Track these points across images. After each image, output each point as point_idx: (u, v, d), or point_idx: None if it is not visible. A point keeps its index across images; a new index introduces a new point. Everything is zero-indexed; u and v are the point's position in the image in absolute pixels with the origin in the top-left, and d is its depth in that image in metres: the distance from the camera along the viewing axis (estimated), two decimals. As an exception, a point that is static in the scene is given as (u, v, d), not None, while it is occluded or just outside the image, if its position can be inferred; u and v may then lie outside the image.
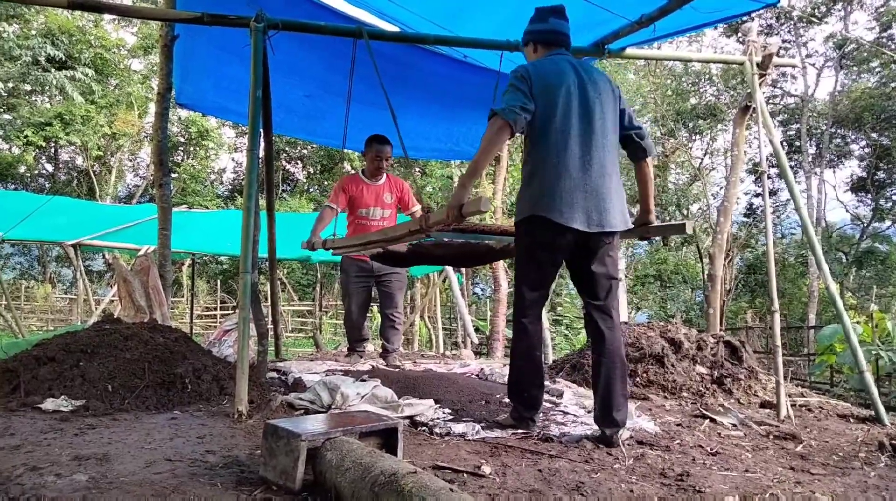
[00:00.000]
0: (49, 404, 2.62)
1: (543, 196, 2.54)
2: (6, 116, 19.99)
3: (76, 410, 2.61)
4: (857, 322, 6.80)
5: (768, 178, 4.86)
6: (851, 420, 3.40)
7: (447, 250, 3.35)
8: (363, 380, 3.36)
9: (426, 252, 3.44)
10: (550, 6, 2.80)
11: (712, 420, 3.12)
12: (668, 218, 23.26)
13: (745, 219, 22.50)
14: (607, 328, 2.63)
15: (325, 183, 25.73)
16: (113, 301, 10.71)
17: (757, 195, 22.19)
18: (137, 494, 1.69)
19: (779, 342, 3.36)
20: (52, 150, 23.40)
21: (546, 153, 2.57)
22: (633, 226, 2.83)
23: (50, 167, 24.82)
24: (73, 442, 2.17)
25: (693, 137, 22.49)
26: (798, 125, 21.08)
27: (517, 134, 2.60)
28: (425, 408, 2.88)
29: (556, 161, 2.55)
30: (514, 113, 2.50)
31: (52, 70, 18.18)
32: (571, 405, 3.25)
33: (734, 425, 3.07)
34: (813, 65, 21.54)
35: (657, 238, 3.24)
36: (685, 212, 22.18)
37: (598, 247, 2.61)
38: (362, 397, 2.90)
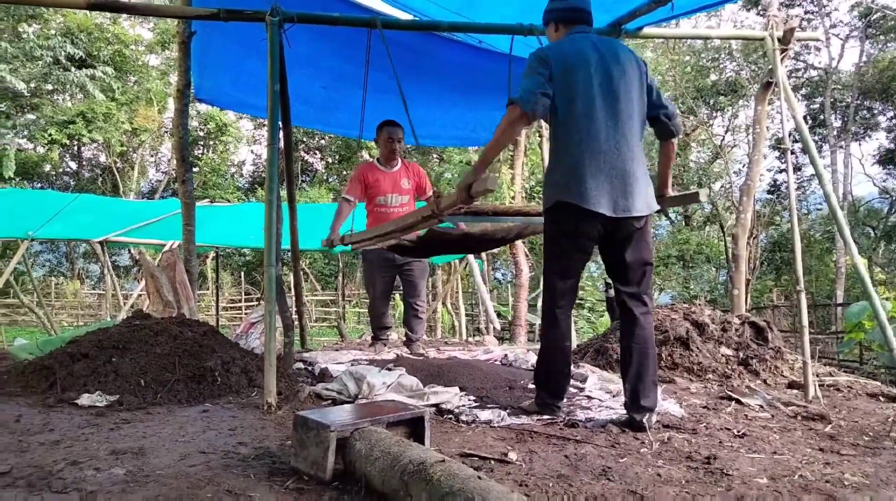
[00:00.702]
0: (84, 399, 2.69)
1: (569, 182, 2.52)
2: (30, 116, 20.33)
3: (111, 405, 2.68)
4: (887, 299, 6.70)
5: (792, 153, 4.78)
6: (881, 399, 3.36)
7: (463, 236, 3.35)
8: (389, 369, 3.39)
9: (442, 239, 3.44)
10: None
11: (738, 402, 3.11)
12: (689, 197, 23.02)
13: (769, 196, 22.17)
14: (641, 314, 2.61)
15: (344, 173, 25.83)
16: (141, 295, 10.91)
17: (781, 171, 21.81)
18: (174, 486, 1.73)
19: (805, 323, 3.33)
20: (76, 147, 23.77)
21: (570, 137, 2.55)
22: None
23: (74, 165, 25.24)
24: (110, 437, 2.23)
25: (714, 114, 22.16)
26: (822, 99, 20.64)
27: (538, 121, 2.59)
28: (451, 396, 2.90)
29: (580, 145, 2.52)
30: (532, 101, 2.47)
31: (73, 69, 18.41)
32: (596, 390, 3.26)
33: (761, 406, 3.06)
34: (837, 35, 21.04)
35: (679, 217, 3.23)
36: (707, 192, 21.91)
37: (629, 233, 2.58)
38: (388, 386, 2.93)
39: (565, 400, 2.82)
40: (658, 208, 2.75)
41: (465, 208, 2.63)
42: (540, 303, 4.81)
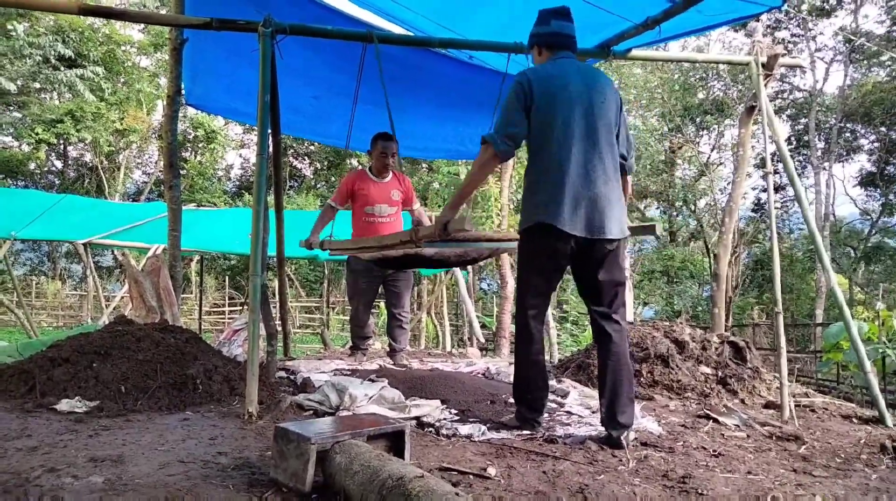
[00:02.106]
0: (64, 405, 2.68)
1: (548, 204, 2.58)
2: (16, 114, 20.13)
3: (90, 411, 2.67)
4: (864, 320, 6.79)
5: (776, 173, 4.85)
6: (855, 421, 3.42)
7: (441, 256, 3.44)
8: (371, 380, 3.41)
9: (420, 258, 3.51)
10: (553, 8, 2.82)
11: (716, 421, 3.15)
12: (675, 214, 23.25)
13: (753, 214, 22.42)
14: (614, 331, 2.67)
15: (332, 179, 25.80)
16: (123, 298, 10.82)
17: (765, 190, 22.08)
18: (152, 496, 1.74)
19: (783, 343, 3.38)
20: (62, 147, 23.56)
21: (549, 162, 2.61)
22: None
23: (59, 164, 25.00)
24: (89, 444, 2.22)
25: (700, 133, 22.40)
26: (806, 120, 20.96)
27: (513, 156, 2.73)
28: (432, 409, 2.92)
29: (558, 169, 2.59)
30: (505, 143, 2.63)
31: (62, 68, 18.28)
32: (576, 406, 3.29)
33: (737, 426, 3.10)
34: (822, 59, 21.41)
35: (664, 234, 3.32)
36: (693, 208, 22.13)
37: (602, 253, 2.65)
38: (370, 398, 2.94)
39: (545, 415, 2.85)
40: (629, 233, 2.83)
41: (441, 238, 2.76)
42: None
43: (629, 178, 2.96)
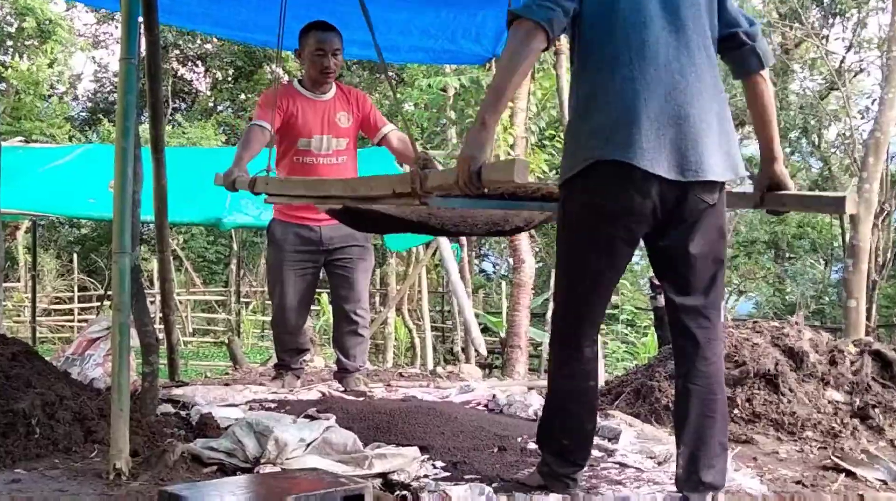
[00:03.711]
0: None
1: (614, 130, 2.50)
2: None
3: None
4: None
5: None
6: None
7: (465, 221, 3.33)
8: (310, 417, 3.42)
9: (427, 218, 3.42)
10: None
11: (851, 475, 3.21)
12: (789, 150, 23.33)
13: (911, 152, 22.60)
14: (706, 339, 2.65)
15: (243, 97, 25.61)
16: None
17: (930, 113, 22.18)
18: None
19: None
20: None
21: (612, 65, 2.55)
22: (747, 177, 2.83)
23: None
24: None
25: (831, 21, 22.40)
26: None
27: (556, 41, 2.60)
28: (406, 461, 2.94)
29: (628, 74, 2.52)
30: (547, 8, 2.49)
31: None
32: (632, 454, 3.33)
33: (884, 482, 3.16)
34: None
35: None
36: (816, 140, 22.23)
37: (697, 209, 2.58)
38: (308, 445, 2.96)
39: (586, 469, 2.88)
40: (745, 172, 2.77)
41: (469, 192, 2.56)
42: (549, 315, 4.86)
43: (766, 75, 2.79)
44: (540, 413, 2.96)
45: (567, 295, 2.74)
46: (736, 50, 2.76)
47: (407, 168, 4.66)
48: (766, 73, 2.81)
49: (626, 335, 14.31)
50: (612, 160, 2.48)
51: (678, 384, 2.72)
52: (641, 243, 2.73)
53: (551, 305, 3.03)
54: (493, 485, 2.79)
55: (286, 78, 15.23)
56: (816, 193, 3.00)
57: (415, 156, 3.28)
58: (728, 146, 2.61)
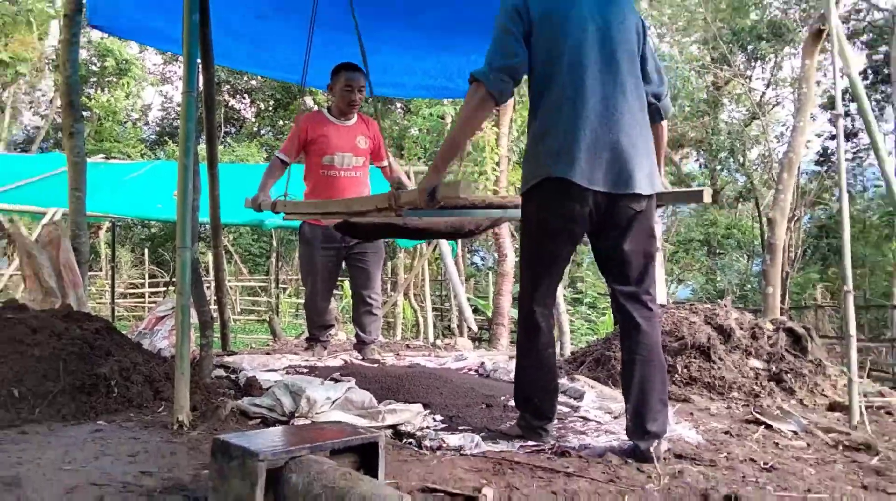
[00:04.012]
0: (-60, 414, 2.67)
1: (559, 153, 2.56)
2: None
3: (-26, 421, 2.66)
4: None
5: (847, 116, 4.86)
6: (941, 425, 3.50)
7: (430, 227, 3.42)
8: (334, 380, 3.43)
9: (401, 227, 3.50)
10: None
11: (768, 427, 3.22)
12: (718, 168, 23.34)
13: (817, 168, 22.55)
14: (643, 318, 2.68)
15: (280, 123, 25.61)
16: (13, 277, 10.73)
17: (832, 138, 22.20)
18: (58, 528, 1.75)
19: (853, 331, 3.43)
20: (-74, 81, 23.07)
21: (559, 99, 2.59)
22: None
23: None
24: (-26, 463, 2.22)
25: (753, 64, 22.38)
26: (887, 48, 20.99)
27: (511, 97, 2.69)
28: (412, 415, 2.95)
29: (571, 108, 2.56)
30: (500, 80, 2.57)
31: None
32: (594, 410, 3.34)
33: (795, 432, 3.17)
34: (908, -32, 21.39)
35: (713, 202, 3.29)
36: (741, 159, 22.21)
37: (628, 215, 2.64)
38: (333, 402, 2.96)
39: (555, 422, 2.89)
40: (661, 188, 2.82)
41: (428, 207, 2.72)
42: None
43: (664, 124, 2.94)
44: (513, 379, 2.98)
45: (528, 280, 2.79)
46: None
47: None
48: (665, 123, 2.94)
49: (589, 315, 14.34)
50: (556, 177, 2.57)
51: (623, 354, 2.75)
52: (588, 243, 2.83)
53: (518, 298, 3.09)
54: (482, 434, 2.80)
55: (315, 107, 15.22)
56: (683, 189, 3.14)
57: (393, 181, 3.47)
58: (650, 167, 2.69)
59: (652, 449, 2.58)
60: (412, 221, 3.21)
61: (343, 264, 4.81)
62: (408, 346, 6.30)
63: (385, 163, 4.71)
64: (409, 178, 4.53)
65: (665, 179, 3.05)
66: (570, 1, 2.61)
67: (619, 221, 2.66)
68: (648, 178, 2.65)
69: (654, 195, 2.70)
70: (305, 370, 4.04)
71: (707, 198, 3.03)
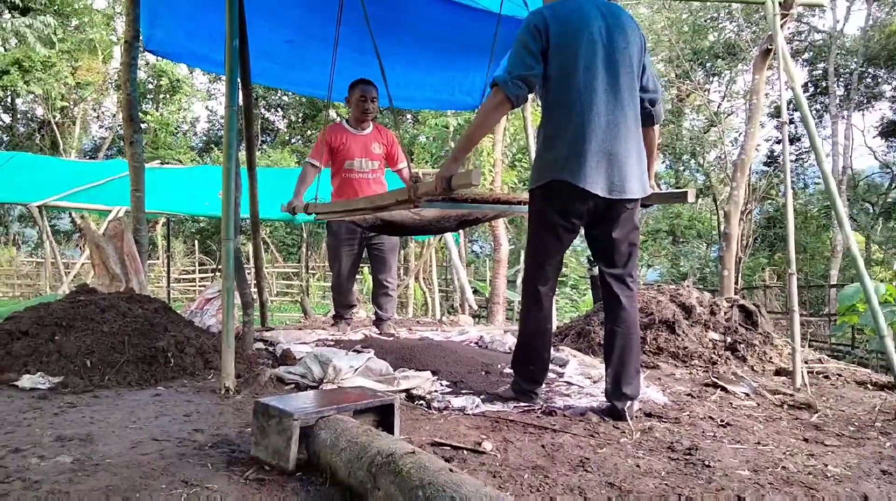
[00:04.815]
0: (26, 381, 2.68)
1: (568, 159, 2.54)
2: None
3: (54, 387, 2.68)
4: (882, 280, 6.90)
5: (791, 123, 4.85)
6: (870, 387, 3.50)
7: (442, 220, 3.40)
8: (356, 351, 3.43)
9: (415, 222, 3.49)
10: None
11: (724, 390, 3.22)
12: (682, 168, 23.28)
13: (765, 168, 22.47)
14: (625, 297, 2.69)
15: (309, 133, 25.57)
16: (84, 265, 10.77)
17: (779, 142, 22.08)
18: (125, 476, 1.76)
19: (796, 307, 3.43)
20: (9, 99, 23.10)
21: (569, 112, 2.56)
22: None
23: (7, 118, 24.54)
24: (54, 422, 2.24)
25: (710, 79, 22.29)
26: (825, 64, 20.86)
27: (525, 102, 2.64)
28: (422, 381, 2.95)
29: (580, 121, 2.54)
30: (517, 86, 2.54)
31: (8, 12, 17.78)
32: (576, 376, 3.34)
33: (746, 394, 3.17)
34: (843, -3, 21.20)
35: (671, 190, 3.28)
36: (701, 161, 22.16)
37: (619, 213, 2.64)
38: (356, 370, 2.97)
39: (544, 386, 2.89)
40: (650, 191, 2.81)
41: (444, 196, 2.67)
42: (519, 279, 4.88)
43: (657, 128, 2.90)
44: (513, 348, 2.98)
45: (532, 262, 2.77)
46: (642, 108, 2.78)
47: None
48: (657, 127, 2.90)
49: (572, 295, 14.32)
50: (563, 181, 2.55)
51: (607, 328, 2.74)
52: (582, 232, 2.81)
53: (521, 275, 3.08)
54: (481, 397, 2.81)
55: (339, 119, 15.18)
56: (671, 190, 3.08)
57: (410, 175, 3.44)
58: (641, 175, 2.68)
59: (626, 409, 2.59)
60: (428, 213, 3.19)
61: (364, 253, 4.81)
62: (418, 322, 6.30)
63: (401, 166, 4.68)
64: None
65: (653, 181, 3.01)
66: (584, 25, 2.58)
67: (612, 216, 2.66)
68: (640, 183, 2.65)
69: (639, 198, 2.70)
70: (332, 343, 4.05)
71: (692, 198, 3.01)
